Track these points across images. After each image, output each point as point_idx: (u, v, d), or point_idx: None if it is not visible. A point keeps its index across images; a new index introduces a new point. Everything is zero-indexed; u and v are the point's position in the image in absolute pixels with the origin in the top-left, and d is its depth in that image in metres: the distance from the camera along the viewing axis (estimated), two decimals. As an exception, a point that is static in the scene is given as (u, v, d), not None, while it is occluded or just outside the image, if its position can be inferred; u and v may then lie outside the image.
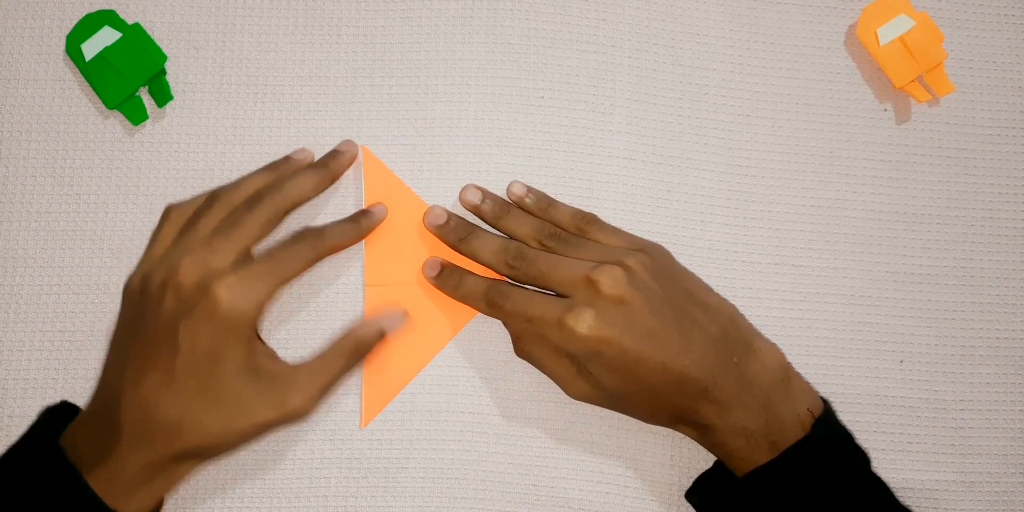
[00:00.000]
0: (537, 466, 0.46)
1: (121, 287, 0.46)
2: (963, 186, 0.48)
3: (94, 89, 0.47)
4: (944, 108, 0.49)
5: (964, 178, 0.48)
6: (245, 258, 0.41)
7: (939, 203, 0.48)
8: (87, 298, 0.46)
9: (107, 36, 0.47)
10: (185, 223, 0.43)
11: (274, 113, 0.48)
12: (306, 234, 0.43)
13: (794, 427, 0.41)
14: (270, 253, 0.41)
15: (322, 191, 0.44)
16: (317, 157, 0.47)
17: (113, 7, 0.48)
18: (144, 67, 0.47)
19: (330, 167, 0.45)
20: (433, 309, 0.46)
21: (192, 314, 0.39)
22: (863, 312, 0.47)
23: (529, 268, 0.43)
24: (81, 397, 0.46)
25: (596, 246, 0.44)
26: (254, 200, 0.42)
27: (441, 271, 0.45)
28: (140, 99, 0.47)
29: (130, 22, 0.47)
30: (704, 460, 0.45)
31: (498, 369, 0.46)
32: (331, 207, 0.47)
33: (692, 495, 0.44)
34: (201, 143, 0.47)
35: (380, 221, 0.46)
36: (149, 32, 0.47)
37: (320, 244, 0.43)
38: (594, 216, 0.45)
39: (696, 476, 0.44)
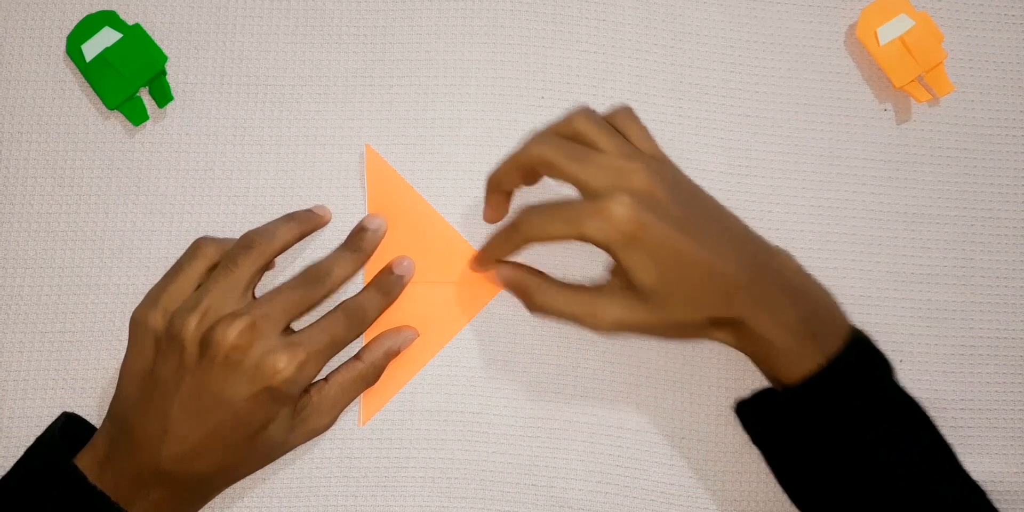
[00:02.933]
0: (537, 466, 0.46)
1: (121, 287, 0.46)
2: (963, 186, 0.48)
3: (94, 90, 0.47)
4: (944, 108, 0.49)
5: (964, 178, 0.48)
6: (288, 331, 0.42)
7: (939, 203, 0.48)
8: (87, 298, 0.46)
9: (107, 37, 0.47)
10: (216, 264, 0.43)
11: (274, 113, 0.48)
12: (348, 306, 0.44)
13: (833, 320, 0.41)
14: (324, 328, 0.42)
15: (360, 269, 0.45)
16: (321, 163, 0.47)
17: (113, 8, 0.48)
18: (144, 68, 0.47)
19: (364, 249, 0.45)
20: (433, 309, 0.46)
21: (253, 387, 0.40)
22: (863, 312, 0.47)
23: (574, 161, 0.40)
24: (81, 398, 0.46)
25: (624, 145, 0.42)
26: (307, 280, 0.43)
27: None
28: (140, 100, 0.47)
29: (130, 23, 0.47)
30: (704, 460, 0.45)
31: (498, 369, 0.46)
32: (336, 207, 0.47)
33: (745, 409, 0.43)
34: (202, 143, 0.47)
35: (377, 242, 0.46)
36: (149, 33, 0.47)
37: (365, 318, 0.44)
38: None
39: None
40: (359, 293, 0.45)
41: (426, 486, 0.45)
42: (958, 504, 0.40)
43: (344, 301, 0.44)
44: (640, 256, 0.39)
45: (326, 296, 0.43)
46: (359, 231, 0.46)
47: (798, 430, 0.41)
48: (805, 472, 0.41)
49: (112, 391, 0.45)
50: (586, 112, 0.42)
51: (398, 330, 0.46)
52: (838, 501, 0.40)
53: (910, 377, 0.47)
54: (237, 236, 0.44)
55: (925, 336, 0.47)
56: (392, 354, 0.45)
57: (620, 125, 0.42)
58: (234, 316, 0.40)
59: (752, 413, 0.43)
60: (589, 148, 0.41)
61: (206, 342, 0.40)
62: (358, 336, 0.43)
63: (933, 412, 0.47)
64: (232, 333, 0.39)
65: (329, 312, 0.43)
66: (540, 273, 0.44)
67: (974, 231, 0.48)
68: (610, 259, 0.40)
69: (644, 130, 0.43)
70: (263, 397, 0.40)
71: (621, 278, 0.40)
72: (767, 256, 0.42)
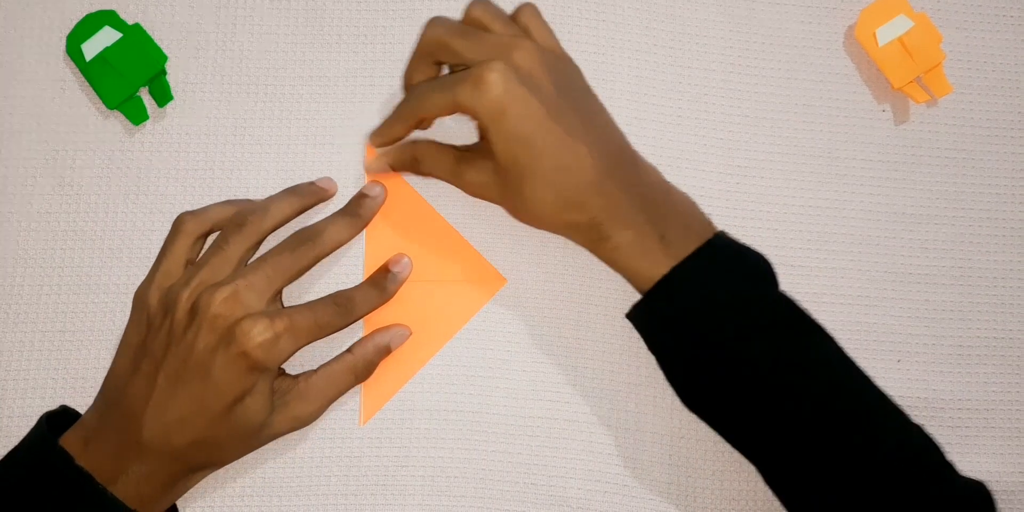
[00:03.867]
0: (537, 466, 0.46)
1: (121, 286, 0.46)
2: (961, 187, 0.49)
3: (94, 89, 0.47)
4: (942, 109, 0.49)
5: (962, 179, 0.49)
6: (276, 300, 0.42)
7: (937, 203, 0.48)
8: (87, 298, 0.46)
9: (107, 36, 0.47)
10: (207, 238, 0.44)
11: (274, 113, 0.48)
12: (340, 295, 0.43)
13: (689, 226, 0.42)
14: (311, 308, 0.42)
15: (355, 236, 0.45)
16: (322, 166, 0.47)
17: (113, 7, 0.48)
18: (144, 67, 0.47)
19: (361, 215, 0.45)
20: (433, 308, 0.46)
21: (228, 352, 0.39)
22: (861, 312, 0.47)
23: (465, 38, 0.42)
24: (81, 397, 0.46)
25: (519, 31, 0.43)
26: (295, 244, 0.43)
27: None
28: (140, 99, 0.47)
29: (130, 22, 0.47)
30: (704, 460, 0.45)
31: (498, 369, 0.46)
32: (336, 207, 0.47)
33: (633, 315, 0.43)
34: (202, 143, 0.47)
35: (376, 208, 0.46)
36: (149, 32, 0.47)
37: (354, 309, 0.43)
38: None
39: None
40: (354, 286, 0.45)
41: (426, 486, 0.45)
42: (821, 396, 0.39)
43: (338, 291, 0.44)
44: (502, 128, 0.40)
45: (316, 259, 0.43)
46: (358, 198, 0.46)
47: (664, 335, 0.41)
48: (684, 377, 0.41)
49: (113, 390, 0.45)
50: (483, 2, 0.43)
51: (390, 327, 0.45)
52: (721, 404, 0.41)
53: (908, 377, 0.47)
54: None
55: (923, 336, 0.47)
56: (383, 350, 0.45)
57: (521, 21, 0.43)
58: (218, 285, 0.40)
59: (636, 319, 0.43)
60: (482, 30, 0.42)
61: (193, 312, 0.40)
62: (344, 326, 0.43)
63: (931, 412, 0.47)
64: (215, 301, 0.40)
65: (320, 298, 0.43)
66: (428, 141, 0.45)
67: (972, 232, 0.48)
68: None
69: (545, 26, 0.44)
70: (238, 364, 0.39)
71: (486, 143, 0.41)
72: (630, 163, 0.43)
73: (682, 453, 0.46)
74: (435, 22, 0.42)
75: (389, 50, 0.48)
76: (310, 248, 0.43)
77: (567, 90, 0.42)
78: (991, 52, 0.49)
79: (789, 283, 0.47)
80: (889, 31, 0.48)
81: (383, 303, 0.45)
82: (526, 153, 0.40)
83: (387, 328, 0.45)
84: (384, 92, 0.48)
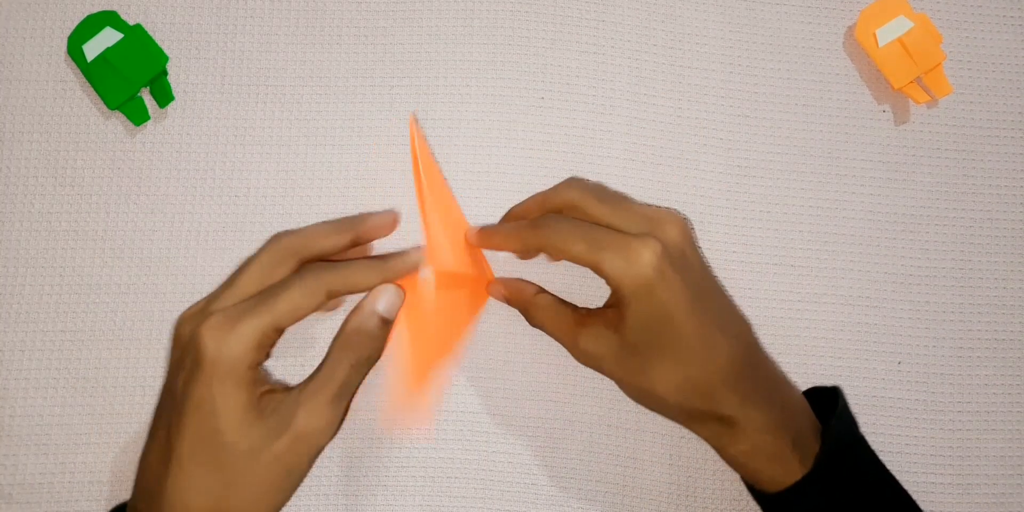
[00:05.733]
0: (537, 466, 0.46)
1: (121, 286, 0.47)
2: (961, 187, 0.48)
3: (95, 90, 0.47)
4: (942, 109, 0.49)
5: (962, 179, 0.49)
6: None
7: (937, 204, 0.48)
8: (87, 298, 0.46)
9: (108, 37, 0.47)
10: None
11: (275, 113, 0.48)
12: (313, 266, 0.38)
13: (811, 435, 0.40)
14: (267, 288, 0.37)
15: (377, 284, 0.39)
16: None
17: (114, 8, 0.48)
18: (145, 68, 0.47)
19: (393, 269, 0.39)
20: (446, 309, 0.43)
21: (184, 369, 0.35)
22: (861, 313, 0.47)
23: (606, 205, 0.40)
24: (82, 396, 0.46)
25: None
26: (305, 271, 0.37)
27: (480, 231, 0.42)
28: (141, 100, 0.47)
29: (131, 23, 0.47)
30: (704, 460, 0.45)
31: (498, 369, 0.46)
32: (336, 207, 0.47)
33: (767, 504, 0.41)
34: (202, 144, 0.48)
35: (411, 269, 0.39)
36: (150, 33, 0.47)
37: (328, 279, 0.37)
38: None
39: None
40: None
41: (426, 486, 0.45)
42: None
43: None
44: (645, 307, 0.37)
45: (321, 294, 0.37)
46: (401, 255, 0.40)
47: None
48: None
49: (111, 389, 0.46)
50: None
51: (376, 290, 0.39)
52: None
53: (908, 379, 0.47)
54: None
55: (923, 337, 0.47)
56: (372, 315, 0.38)
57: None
58: (212, 313, 0.36)
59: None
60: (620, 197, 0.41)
61: (181, 346, 0.37)
62: (319, 306, 0.37)
63: (931, 414, 0.47)
64: (181, 322, 0.37)
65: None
66: (551, 296, 0.43)
67: (972, 232, 0.48)
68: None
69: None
70: (196, 372, 0.35)
71: (615, 315, 0.39)
72: (760, 357, 0.41)
73: (682, 453, 0.46)
74: (571, 183, 0.42)
75: (389, 50, 0.48)
76: (314, 280, 0.37)
77: (704, 269, 0.40)
78: (991, 52, 0.49)
79: (789, 283, 0.47)
80: (889, 31, 0.48)
81: (379, 283, 0.39)
82: (664, 335, 0.38)
83: (374, 290, 0.39)
84: (384, 92, 0.48)
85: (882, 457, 0.46)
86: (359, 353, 0.38)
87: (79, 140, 0.47)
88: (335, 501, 0.45)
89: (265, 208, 0.47)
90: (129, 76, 0.46)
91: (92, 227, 0.47)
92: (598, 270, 0.38)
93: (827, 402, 0.42)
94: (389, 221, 0.41)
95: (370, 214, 0.41)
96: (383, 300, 0.38)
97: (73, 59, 0.47)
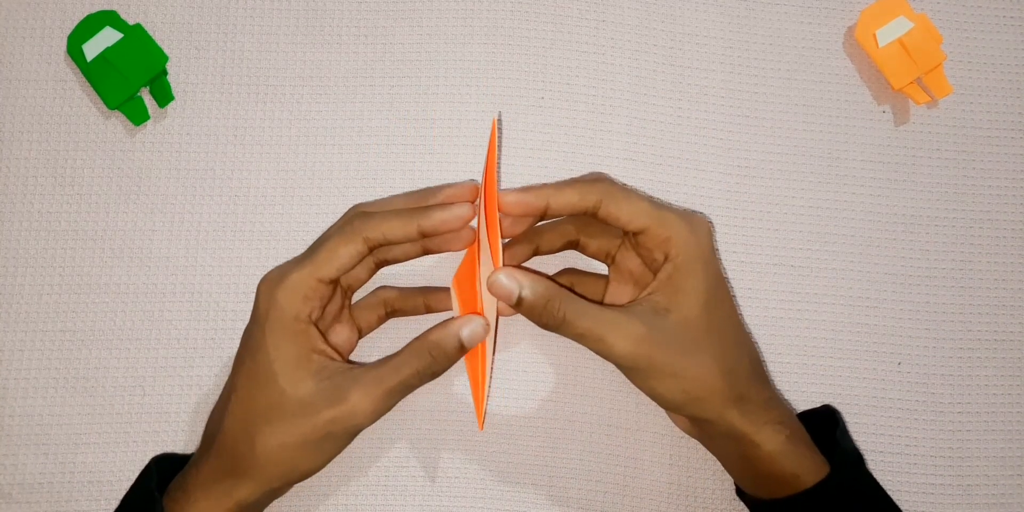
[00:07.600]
0: (537, 466, 0.46)
1: (121, 286, 0.47)
2: (961, 188, 0.48)
3: (95, 90, 0.47)
4: (943, 110, 0.49)
5: (962, 180, 0.49)
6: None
7: (937, 205, 0.48)
8: (87, 298, 0.46)
9: (108, 37, 0.47)
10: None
11: (275, 113, 0.48)
12: (351, 216, 0.40)
13: (802, 429, 0.41)
14: (312, 243, 0.41)
15: (410, 239, 0.39)
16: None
17: (114, 8, 0.48)
18: (145, 67, 0.47)
19: (429, 219, 0.39)
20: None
21: (249, 321, 0.40)
22: (861, 313, 0.47)
23: (632, 193, 0.40)
24: (82, 395, 0.46)
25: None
26: (343, 221, 0.40)
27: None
28: (141, 99, 0.47)
29: (131, 23, 0.47)
30: (704, 459, 0.45)
31: (498, 369, 0.46)
32: (335, 207, 0.47)
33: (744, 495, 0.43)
34: (202, 143, 0.48)
35: (447, 222, 0.39)
36: (150, 33, 0.47)
37: (363, 227, 0.38)
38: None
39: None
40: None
41: (426, 486, 0.45)
42: None
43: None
44: (701, 277, 0.38)
45: (359, 241, 0.38)
46: (437, 207, 0.39)
47: None
48: None
49: (111, 389, 0.45)
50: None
51: (468, 318, 0.40)
52: None
53: (908, 379, 0.47)
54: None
55: (923, 338, 0.47)
56: (453, 338, 0.39)
57: None
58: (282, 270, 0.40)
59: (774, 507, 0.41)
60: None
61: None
62: (359, 255, 0.39)
63: (931, 415, 0.47)
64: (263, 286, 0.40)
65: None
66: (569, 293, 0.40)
67: (972, 233, 0.48)
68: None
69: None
70: (253, 320, 0.39)
71: (668, 290, 0.38)
72: (759, 361, 0.42)
73: (682, 453, 0.46)
74: (601, 175, 0.43)
75: (389, 50, 0.48)
76: (349, 228, 0.39)
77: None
78: (991, 53, 0.49)
79: (789, 283, 0.47)
80: (889, 32, 0.48)
81: (415, 237, 0.39)
82: (718, 311, 0.38)
83: (465, 319, 0.39)
84: (384, 92, 0.48)
85: (882, 457, 0.46)
86: (428, 364, 0.39)
87: (79, 140, 0.47)
88: (335, 500, 0.45)
89: (265, 208, 0.47)
90: (129, 76, 0.46)
91: (92, 227, 0.47)
92: (661, 226, 0.38)
93: (813, 425, 0.42)
94: (466, 191, 0.41)
95: (445, 186, 0.42)
96: (469, 328, 0.39)
97: (73, 59, 0.47)
